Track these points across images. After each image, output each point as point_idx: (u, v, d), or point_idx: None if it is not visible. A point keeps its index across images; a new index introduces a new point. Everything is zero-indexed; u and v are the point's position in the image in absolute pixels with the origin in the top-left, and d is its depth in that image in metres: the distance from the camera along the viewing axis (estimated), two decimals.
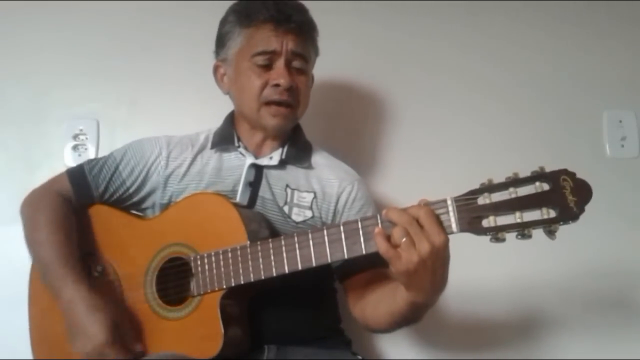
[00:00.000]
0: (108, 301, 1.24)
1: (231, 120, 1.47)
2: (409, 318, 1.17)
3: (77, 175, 1.39)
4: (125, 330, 1.21)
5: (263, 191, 1.35)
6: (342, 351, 1.34)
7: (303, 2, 1.42)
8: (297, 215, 1.35)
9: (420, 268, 0.98)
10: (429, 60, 1.85)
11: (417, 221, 0.98)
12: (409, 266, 0.98)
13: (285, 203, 1.35)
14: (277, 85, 1.33)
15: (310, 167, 1.42)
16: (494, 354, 1.69)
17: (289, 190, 1.37)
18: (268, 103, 1.35)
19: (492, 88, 1.85)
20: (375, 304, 1.25)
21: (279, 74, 1.33)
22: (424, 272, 0.99)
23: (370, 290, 1.28)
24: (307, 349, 1.28)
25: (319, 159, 1.45)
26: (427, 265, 0.98)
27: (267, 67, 1.34)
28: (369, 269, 1.30)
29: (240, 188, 1.35)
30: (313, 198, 1.37)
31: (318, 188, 1.38)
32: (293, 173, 1.40)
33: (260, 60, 1.34)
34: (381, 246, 1.01)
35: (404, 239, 0.98)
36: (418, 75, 1.84)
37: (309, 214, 1.35)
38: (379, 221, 1.04)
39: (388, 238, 1.00)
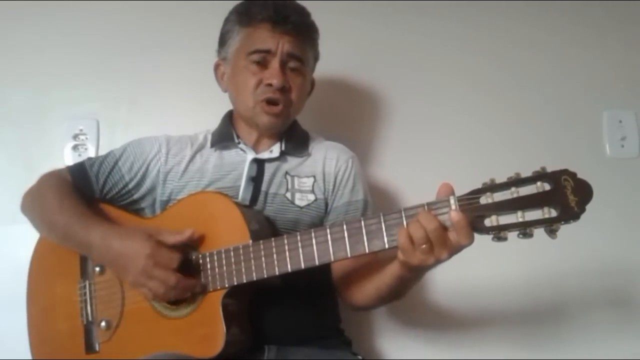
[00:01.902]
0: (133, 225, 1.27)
1: (229, 118, 1.49)
2: (394, 291, 1.20)
3: (79, 171, 1.41)
4: (164, 237, 1.22)
5: (265, 186, 1.37)
6: (342, 351, 1.34)
7: (302, 1, 1.42)
8: (301, 200, 1.37)
9: (432, 265, 1.03)
10: (429, 59, 1.86)
11: (443, 225, 1.00)
12: (421, 264, 1.02)
13: (287, 190, 1.37)
14: (269, 84, 1.35)
15: (308, 155, 1.45)
16: (493, 353, 1.69)
17: (288, 177, 1.39)
18: (262, 101, 1.36)
19: (493, 88, 1.85)
20: (363, 281, 1.26)
21: (272, 74, 1.35)
22: (432, 266, 1.04)
23: (358, 267, 1.29)
24: (307, 349, 1.28)
25: (316, 144, 1.48)
26: (437, 263, 1.03)
27: (263, 65, 1.36)
28: None
29: (242, 183, 1.37)
30: (313, 182, 1.40)
31: (318, 171, 1.41)
32: (292, 162, 1.43)
33: (256, 57, 1.36)
34: (401, 239, 1.02)
35: (424, 246, 1.00)
36: (418, 75, 1.84)
37: (311, 197, 1.38)
38: (382, 220, 1.05)
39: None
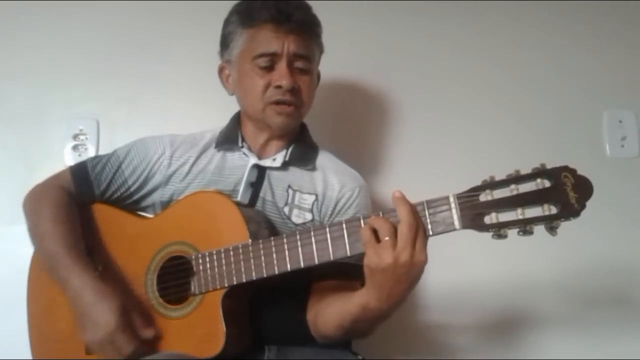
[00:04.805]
0: (115, 288, 1.24)
1: (237, 120, 1.46)
2: (357, 323, 1.16)
3: (80, 172, 1.39)
4: (134, 316, 1.21)
5: (264, 192, 1.35)
6: (342, 351, 1.33)
7: (310, 1, 1.40)
8: (297, 217, 1.34)
9: (389, 270, 1.01)
10: (430, 60, 1.86)
11: (417, 230, 1.00)
12: (379, 263, 1.01)
13: (286, 204, 1.35)
14: (279, 86, 1.32)
15: (313, 169, 1.41)
16: (493, 354, 1.69)
17: (290, 191, 1.36)
18: (272, 103, 1.34)
19: (493, 88, 1.86)
20: (329, 304, 1.23)
21: (281, 75, 1.32)
22: (390, 276, 1.02)
23: (330, 294, 1.26)
24: (308, 349, 1.27)
25: (324, 161, 1.44)
26: (395, 272, 1.01)
27: (269, 68, 1.33)
28: (341, 278, 1.27)
29: (241, 188, 1.35)
30: (314, 200, 1.36)
31: (320, 190, 1.38)
32: (296, 174, 1.39)
33: (262, 62, 1.33)
34: (365, 234, 1.03)
35: (387, 238, 1.01)
36: (420, 75, 1.85)
37: (308, 216, 1.35)
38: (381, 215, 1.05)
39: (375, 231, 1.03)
